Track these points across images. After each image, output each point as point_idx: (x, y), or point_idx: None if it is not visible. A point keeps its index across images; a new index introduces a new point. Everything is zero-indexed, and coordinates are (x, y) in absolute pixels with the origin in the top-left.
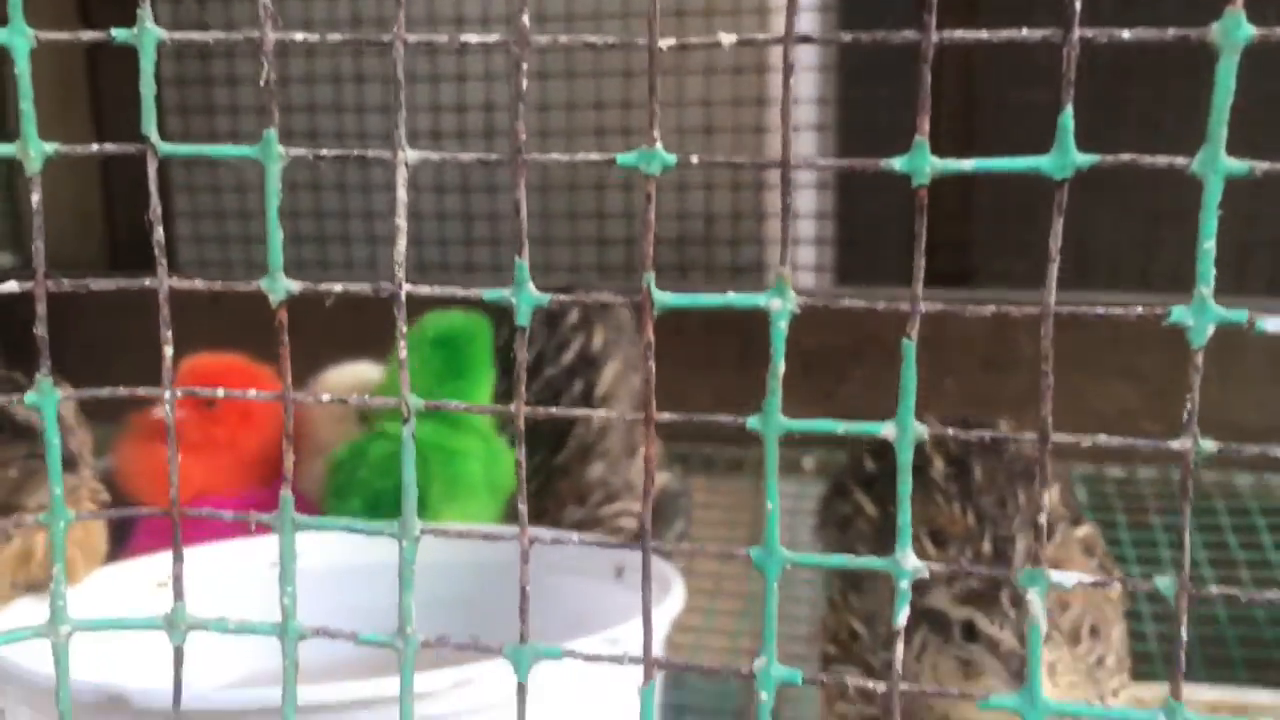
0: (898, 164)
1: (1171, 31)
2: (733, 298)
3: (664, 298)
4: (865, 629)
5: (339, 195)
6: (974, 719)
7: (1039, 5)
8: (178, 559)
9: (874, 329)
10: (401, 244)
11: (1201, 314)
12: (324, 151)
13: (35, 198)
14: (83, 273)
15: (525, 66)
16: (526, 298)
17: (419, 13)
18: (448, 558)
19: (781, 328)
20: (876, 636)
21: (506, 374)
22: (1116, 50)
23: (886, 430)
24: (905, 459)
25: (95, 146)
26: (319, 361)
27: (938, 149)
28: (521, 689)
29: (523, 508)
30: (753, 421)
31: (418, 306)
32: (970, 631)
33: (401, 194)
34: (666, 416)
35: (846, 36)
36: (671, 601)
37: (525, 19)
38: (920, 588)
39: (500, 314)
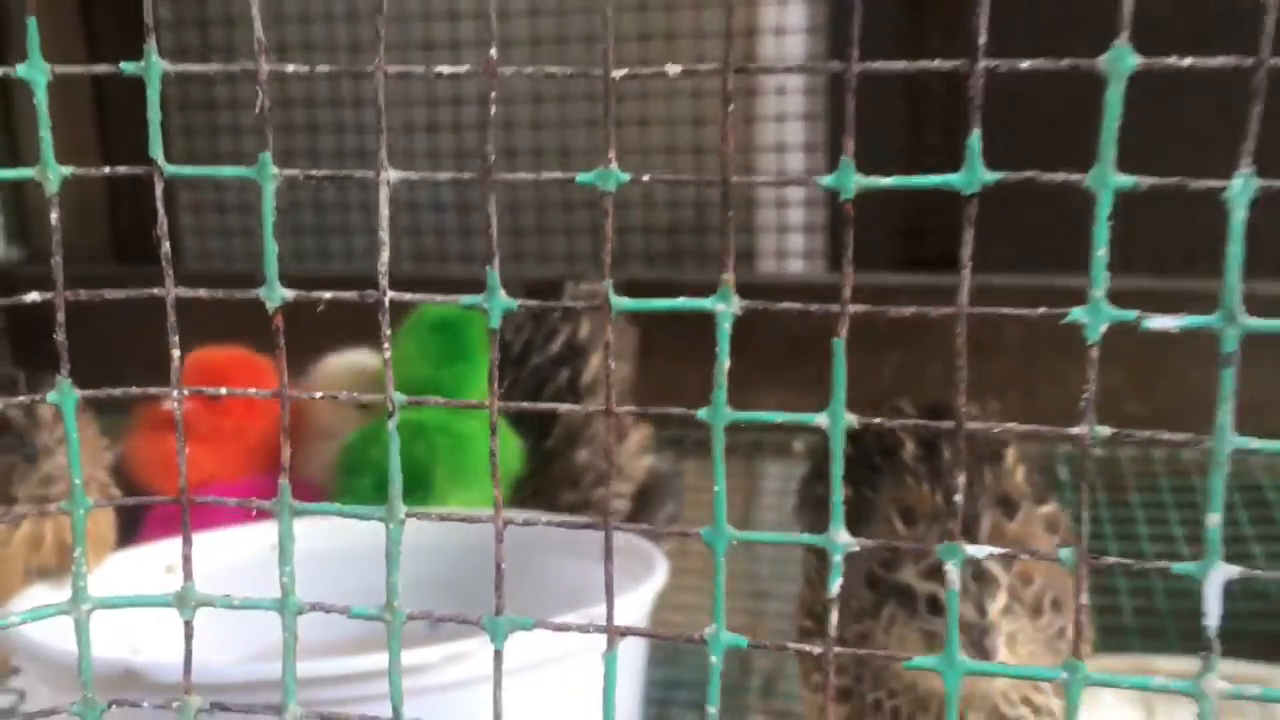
0: (825, 180)
1: (1066, 62)
2: (681, 302)
3: (619, 302)
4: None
5: (338, 189)
6: (938, 686)
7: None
8: (187, 543)
9: (862, 313)
10: (384, 255)
11: (1096, 314)
12: (314, 172)
13: (54, 216)
14: (87, 264)
15: (495, 94)
16: (498, 303)
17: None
18: (443, 540)
19: (726, 329)
20: (849, 611)
21: (502, 362)
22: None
23: (820, 420)
24: (836, 447)
25: (106, 169)
26: (320, 345)
27: (924, 135)
28: (498, 655)
29: (497, 493)
30: (702, 413)
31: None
32: (934, 605)
33: (384, 210)
34: (627, 410)
35: (780, 67)
36: (654, 579)
37: (494, 51)
38: (889, 564)
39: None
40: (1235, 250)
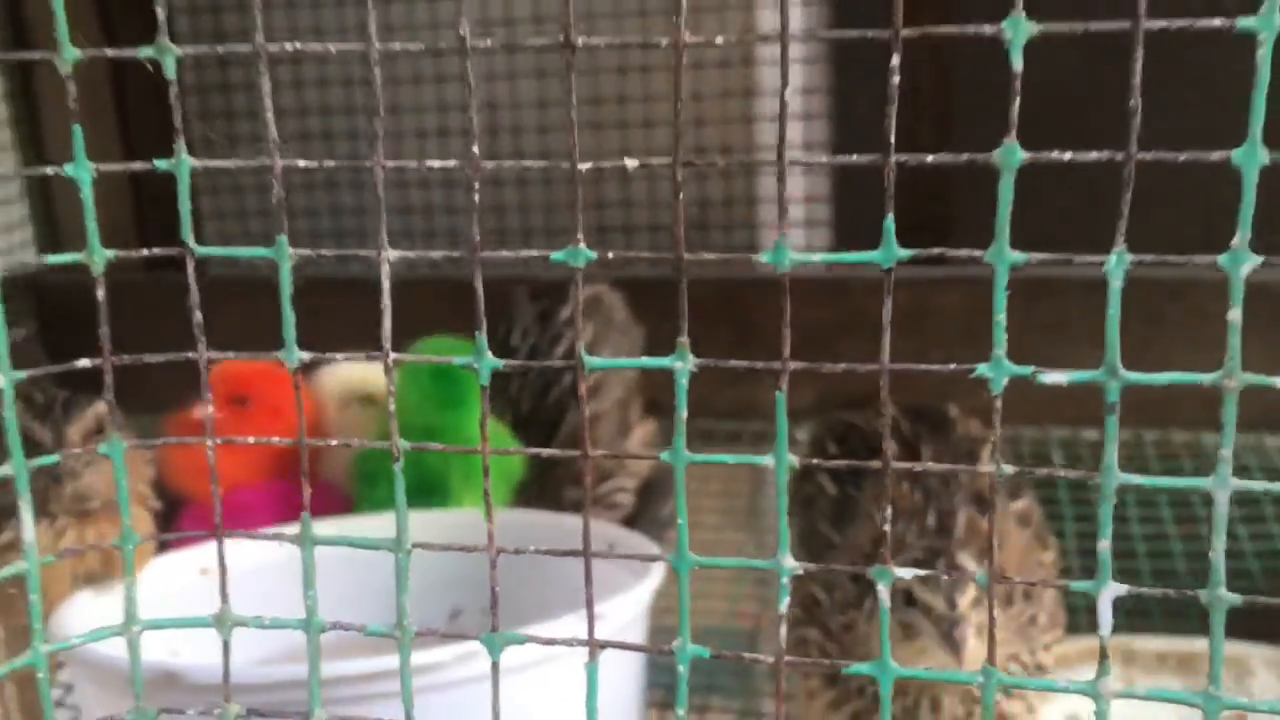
0: (764, 258)
1: (966, 157)
2: (645, 360)
3: (592, 361)
4: (825, 595)
5: (354, 192)
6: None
7: None
8: (223, 570)
9: (862, 304)
10: (387, 322)
11: (998, 369)
12: (324, 251)
13: (100, 294)
14: (115, 274)
15: (478, 185)
16: (487, 363)
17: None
18: (464, 539)
19: (683, 384)
20: (834, 602)
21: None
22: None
23: (766, 461)
24: (781, 482)
25: (144, 251)
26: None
27: (917, 133)
28: (495, 668)
29: (490, 527)
30: (664, 455)
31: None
32: (910, 598)
33: (385, 285)
34: (601, 453)
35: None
36: (652, 577)
37: (475, 148)
38: (872, 559)
39: (499, 310)
40: (1114, 312)
